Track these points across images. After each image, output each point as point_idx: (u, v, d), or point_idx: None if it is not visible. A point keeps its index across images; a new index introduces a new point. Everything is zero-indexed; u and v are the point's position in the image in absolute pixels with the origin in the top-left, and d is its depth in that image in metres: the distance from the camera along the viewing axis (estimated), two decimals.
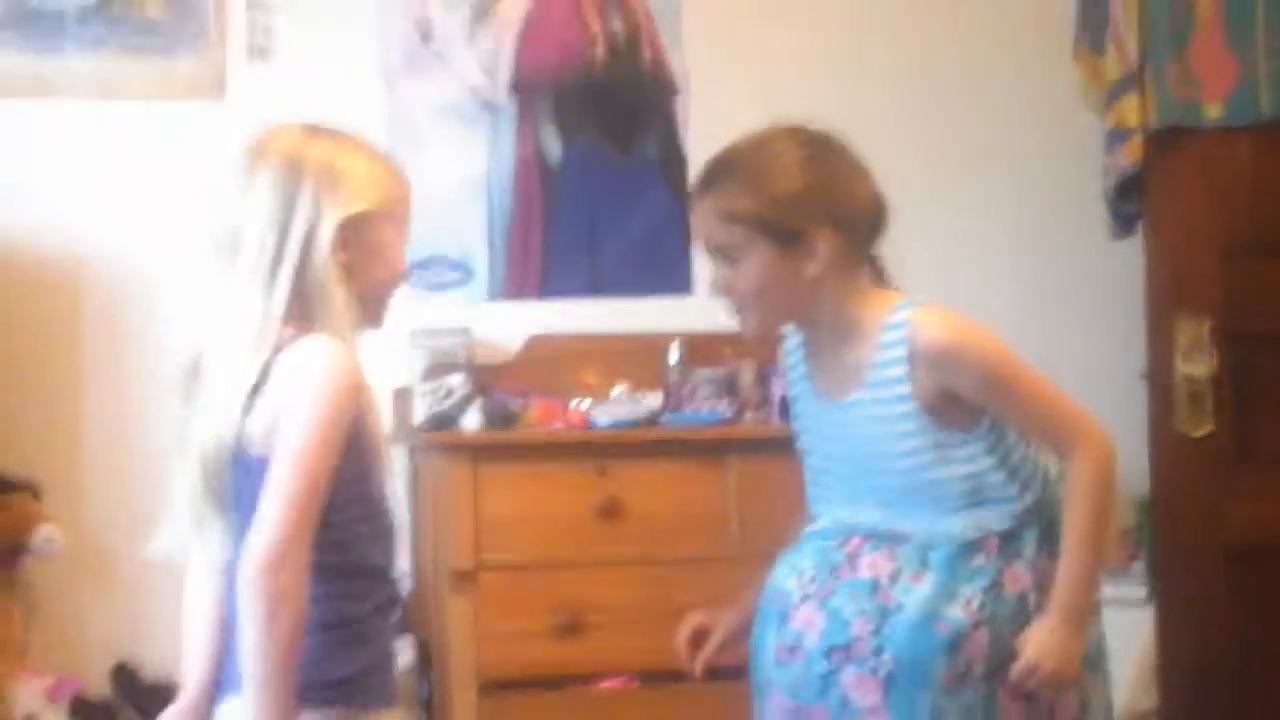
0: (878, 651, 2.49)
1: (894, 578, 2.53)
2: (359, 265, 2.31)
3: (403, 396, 4.06)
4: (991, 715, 2.51)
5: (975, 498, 2.53)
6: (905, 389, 2.50)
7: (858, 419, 2.55)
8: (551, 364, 4.21)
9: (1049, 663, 2.47)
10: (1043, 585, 2.54)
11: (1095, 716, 2.62)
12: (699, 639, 2.76)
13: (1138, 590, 3.86)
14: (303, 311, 2.27)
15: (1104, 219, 3.90)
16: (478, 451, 3.82)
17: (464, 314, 4.25)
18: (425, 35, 4.34)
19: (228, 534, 2.29)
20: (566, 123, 4.39)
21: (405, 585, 4.04)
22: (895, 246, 2.64)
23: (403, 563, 3.47)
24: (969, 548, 2.52)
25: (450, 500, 3.78)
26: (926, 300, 2.55)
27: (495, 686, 3.76)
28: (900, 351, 2.50)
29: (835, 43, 4.52)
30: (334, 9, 4.28)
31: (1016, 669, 2.48)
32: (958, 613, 2.50)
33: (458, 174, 4.31)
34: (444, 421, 3.92)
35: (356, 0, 4.29)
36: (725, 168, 2.57)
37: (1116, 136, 3.74)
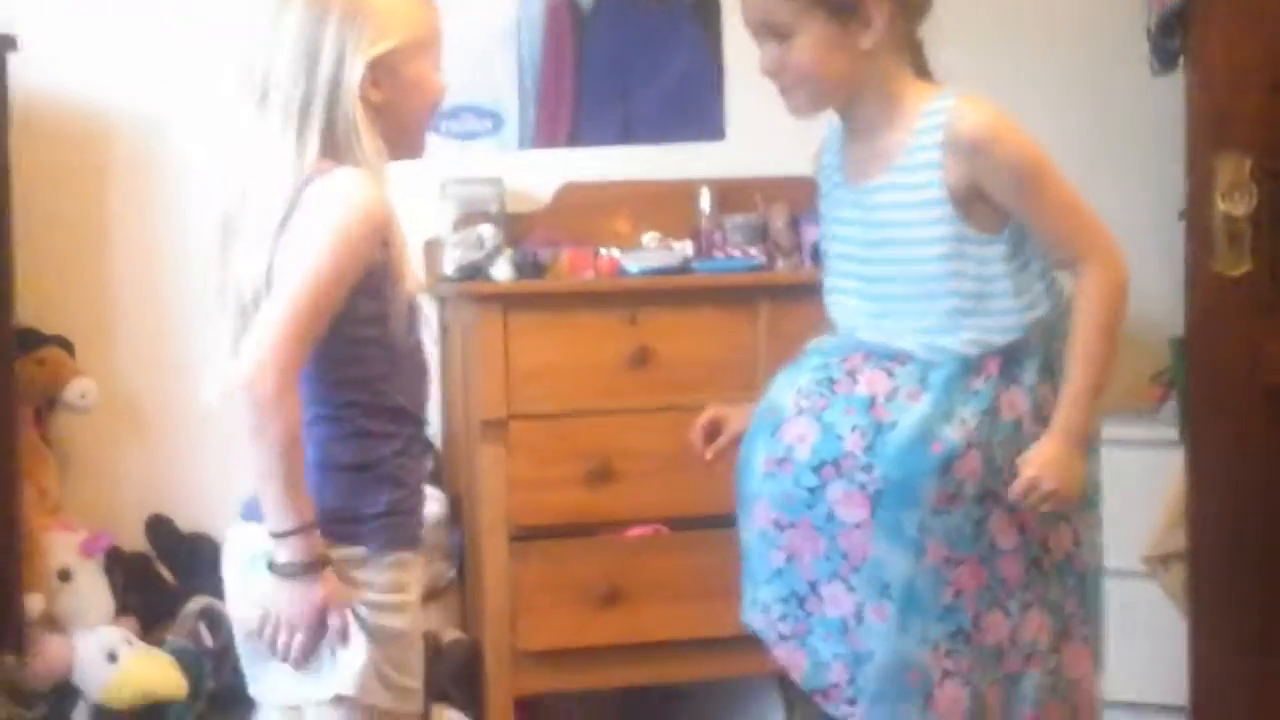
0: (868, 468, 2.47)
1: (891, 395, 2.49)
2: (395, 101, 2.32)
3: (433, 247, 4.04)
4: (981, 539, 2.49)
5: (980, 304, 2.48)
6: (935, 174, 2.46)
7: (884, 203, 2.52)
8: (583, 212, 4.16)
9: (1049, 481, 2.45)
10: (1040, 413, 2.51)
11: (1087, 552, 2.60)
12: (714, 430, 2.76)
13: (1169, 431, 3.82)
14: (332, 152, 2.28)
15: (1146, 55, 3.81)
16: (508, 301, 3.79)
17: (495, 163, 4.20)
18: None
19: None
20: None
21: (434, 435, 4.05)
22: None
23: (432, 414, 3.51)
24: (968, 368, 2.48)
25: (480, 350, 3.76)
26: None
27: (525, 534, 3.76)
28: (936, 137, 2.47)
29: None
30: None
31: (1015, 485, 2.46)
32: (952, 433, 2.46)
33: (488, 20, 4.25)
34: (474, 271, 3.88)
35: None
36: None
37: None
